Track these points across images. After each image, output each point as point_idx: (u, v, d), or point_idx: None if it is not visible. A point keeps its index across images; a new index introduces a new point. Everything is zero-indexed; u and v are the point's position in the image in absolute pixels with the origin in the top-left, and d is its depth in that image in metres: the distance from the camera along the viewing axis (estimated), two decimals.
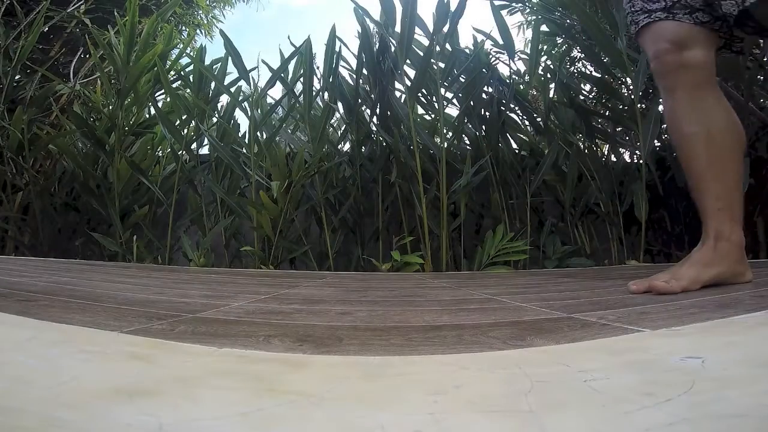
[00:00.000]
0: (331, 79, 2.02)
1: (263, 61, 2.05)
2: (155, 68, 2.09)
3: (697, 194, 0.82)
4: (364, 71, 2.03)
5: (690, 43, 0.82)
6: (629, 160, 2.21)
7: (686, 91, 0.82)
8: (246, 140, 2.10)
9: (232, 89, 2.16)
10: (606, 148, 2.31)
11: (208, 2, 3.87)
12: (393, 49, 1.96)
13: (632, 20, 0.92)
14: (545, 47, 2.44)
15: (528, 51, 2.21)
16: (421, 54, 1.95)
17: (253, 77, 2.05)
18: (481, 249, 1.81)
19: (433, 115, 2.14)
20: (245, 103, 2.14)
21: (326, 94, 2.11)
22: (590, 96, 2.31)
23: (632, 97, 1.90)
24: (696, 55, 0.81)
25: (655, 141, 2.02)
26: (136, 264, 1.89)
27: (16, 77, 2.28)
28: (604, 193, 1.98)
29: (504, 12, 2.30)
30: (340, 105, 2.13)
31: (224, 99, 2.25)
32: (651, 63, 0.89)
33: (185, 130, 2.16)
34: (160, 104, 2.33)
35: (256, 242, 1.95)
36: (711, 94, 0.83)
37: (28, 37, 2.19)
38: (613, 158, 2.21)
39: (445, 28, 1.95)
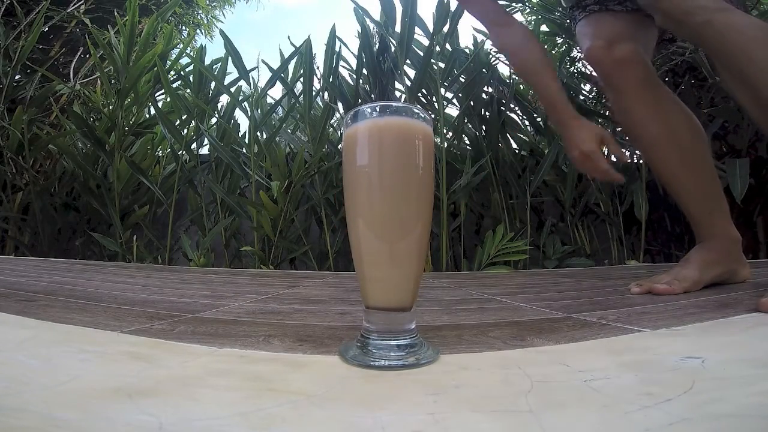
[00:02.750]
0: (331, 79, 2.02)
1: (263, 61, 2.06)
2: (155, 68, 2.09)
3: (680, 200, 0.81)
4: (364, 71, 2.03)
5: (621, 38, 0.81)
6: (629, 160, 2.21)
7: (636, 90, 0.80)
8: (246, 140, 2.10)
9: (232, 89, 2.16)
10: (606, 149, 2.31)
11: (208, 2, 3.88)
12: (393, 49, 1.97)
13: (570, 16, 0.93)
14: (545, 47, 2.44)
15: None
16: (421, 54, 1.96)
17: (253, 77, 2.06)
18: (481, 249, 1.81)
19: (433, 115, 2.14)
20: (245, 103, 2.14)
21: (326, 94, 2.11)
22: (590, 96, 2.30)
23: None
24: (628, 48, 0.80)
25: None
26: (136, 264, 1.89)
27: (16, 77, 2.28)
28: (604, 193, 1.98)
29: None
30: (340, 105, 2.13)
31: (224, 99, 2.25)
32: (588, 62, 0.89)
33: (185, 130, 2.16)
34: (160, 104, 2.33)
35: (256, 242, 1.95)
36: (663, 92, 0.82)
37: (28, 37, 2.20)
38: (613, 158, 2.21)
39: (445, 28, 1.95)
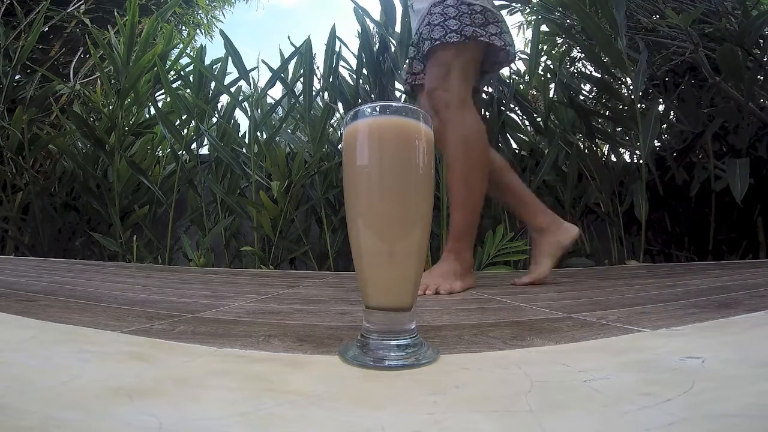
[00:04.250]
0: (331, 79, 2.02)
1: (263, 61, 2.06)
2: (155, 68, 2.09)
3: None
4: (364, 71, 2.03)
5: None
6: (629, 160, 2.21)
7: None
8: (246, 140, 2.10)
9: (232, 89, 2.16)
10: (606, 148, 2.31)
11: (208, 2, 3.88)
12: (393, 49, 1.96)
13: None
14: (545, 47, 2.44)
15: (528, 51, 2.21)
16: None
17: (253, 77, 2.06)
18: (481, 249, 1.81)
19: None
20: (245, 103, 2.14)
21: (326, 94, 2.11)
22: (590, 96, 2.31)
23: (632, 97, 1.90)
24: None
25: (655, 141, 2.02)
26: (136, 264, 1.89)
27: (16, 77, 2.28)
28: (604, 193, 1.98)
29: (504, 12, 2.30)
30: (340, 105, 2.13)
31: (224, 99, 2.25)
32: None
33: (185, 130, 2.16)
34: (160, 104, 2.33)
35: (256, 242, 1.95)
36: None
37: (28, 37, 2.20)
38: (613, 158, 2.21)
39: None
